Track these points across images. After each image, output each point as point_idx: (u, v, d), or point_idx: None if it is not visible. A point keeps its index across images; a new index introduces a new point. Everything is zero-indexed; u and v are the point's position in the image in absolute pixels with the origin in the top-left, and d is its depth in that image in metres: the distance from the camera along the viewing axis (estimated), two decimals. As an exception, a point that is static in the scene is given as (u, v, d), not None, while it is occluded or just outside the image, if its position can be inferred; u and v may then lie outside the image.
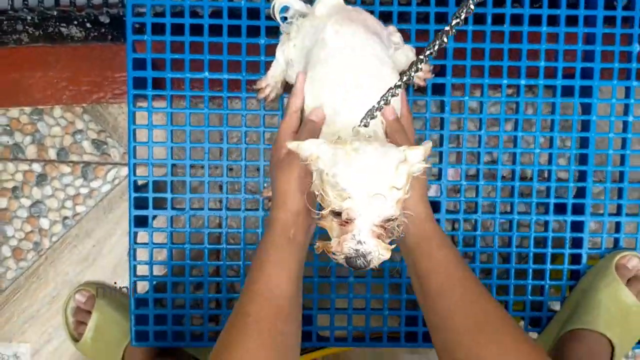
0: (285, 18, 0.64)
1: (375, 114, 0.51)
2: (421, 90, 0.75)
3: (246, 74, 0.74)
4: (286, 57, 0.63)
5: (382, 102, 0.51)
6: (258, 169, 0.76)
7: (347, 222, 0.44)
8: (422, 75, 0.69)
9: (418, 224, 0.52)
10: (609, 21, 0.75)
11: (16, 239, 0.88)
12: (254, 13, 0.74)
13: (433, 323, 0.52)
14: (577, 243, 0.78)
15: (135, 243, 0.75)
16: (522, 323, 0.78)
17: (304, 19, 0.61)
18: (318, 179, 0.46)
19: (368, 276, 0.77)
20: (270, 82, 0.68)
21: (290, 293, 0.50)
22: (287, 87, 0.69)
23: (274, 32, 0.70)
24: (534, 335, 0.79)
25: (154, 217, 0.76)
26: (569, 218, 0.77)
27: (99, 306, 0.80)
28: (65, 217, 0.88)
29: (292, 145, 0.47)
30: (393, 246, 0.47)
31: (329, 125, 0.53)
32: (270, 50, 0.69)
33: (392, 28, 0.63)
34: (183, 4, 0.74)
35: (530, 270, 0.77)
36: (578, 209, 0.77)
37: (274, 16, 0.64)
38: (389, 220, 0.45)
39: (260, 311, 0.48)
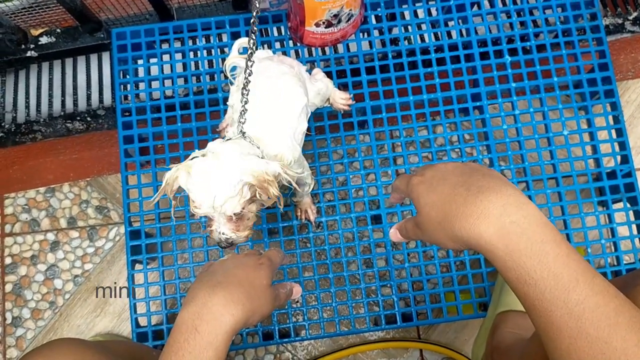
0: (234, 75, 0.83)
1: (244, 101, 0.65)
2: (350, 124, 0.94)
3: (211, 123, 0.94)
4: (233, 99, 0.79)
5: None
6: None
7: (210, 220, 0.63)
8: (344, 102, 0.89)
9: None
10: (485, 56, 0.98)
11: (34, 301, 1.04)
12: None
13: None
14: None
15: (134, 298, 0.91)
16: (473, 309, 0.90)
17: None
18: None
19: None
20: (228, 121, 0.86)
21: None
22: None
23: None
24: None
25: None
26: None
27: None
28: (76, 276, 1.04)
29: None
30: (250, 231, 0.64)
31: (232, 124, 0.71)
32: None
33: (316, 70, 0.86)
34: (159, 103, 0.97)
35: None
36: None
37: (226, 73, 0.82)
38: (236, 214, 0.60)
39: None
